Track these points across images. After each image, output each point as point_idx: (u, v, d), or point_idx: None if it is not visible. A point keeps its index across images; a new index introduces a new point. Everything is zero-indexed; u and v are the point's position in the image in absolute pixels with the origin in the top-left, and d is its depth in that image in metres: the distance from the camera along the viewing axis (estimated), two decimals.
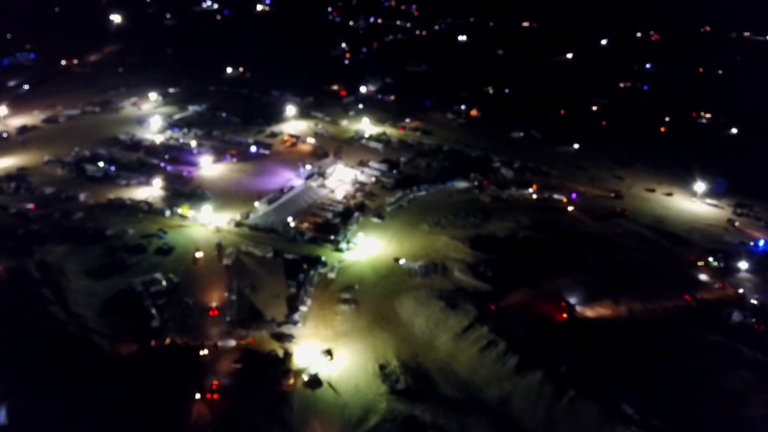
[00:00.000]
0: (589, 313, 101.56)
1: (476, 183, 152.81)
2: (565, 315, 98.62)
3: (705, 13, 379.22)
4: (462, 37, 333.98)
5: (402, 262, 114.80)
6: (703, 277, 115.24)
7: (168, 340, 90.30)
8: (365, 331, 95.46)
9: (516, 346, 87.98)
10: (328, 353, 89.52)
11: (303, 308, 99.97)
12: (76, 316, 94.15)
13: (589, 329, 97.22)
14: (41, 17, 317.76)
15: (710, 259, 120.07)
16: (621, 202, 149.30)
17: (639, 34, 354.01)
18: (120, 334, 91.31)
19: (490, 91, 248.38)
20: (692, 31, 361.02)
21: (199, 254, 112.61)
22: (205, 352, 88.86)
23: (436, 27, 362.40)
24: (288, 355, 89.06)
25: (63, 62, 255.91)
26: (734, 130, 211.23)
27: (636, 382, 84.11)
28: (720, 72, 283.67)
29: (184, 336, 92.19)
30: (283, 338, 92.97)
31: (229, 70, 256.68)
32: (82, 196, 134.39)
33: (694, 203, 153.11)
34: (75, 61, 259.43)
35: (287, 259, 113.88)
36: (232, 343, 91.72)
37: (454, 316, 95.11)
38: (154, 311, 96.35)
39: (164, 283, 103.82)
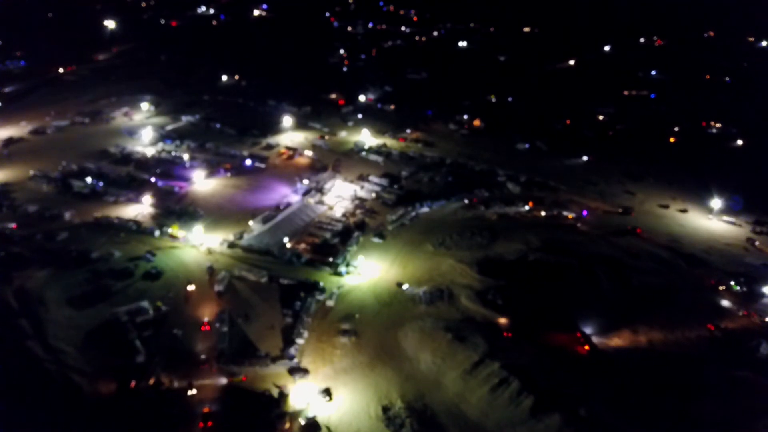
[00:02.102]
0: (607, 344, 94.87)
1: (466, 201, 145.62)
2: (587, 347, 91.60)
3: (707, 18, 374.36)
4: (462, 43, 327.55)
5: (405, 287, 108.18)
6: (725, 303, 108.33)
7: (152, 380, 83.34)
8: (367, 368, 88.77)
9: (530, 385, 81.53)
10: (326, 393, 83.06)
11: (299, 341, 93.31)
12: (55, 352, 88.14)
13: (608, 364, 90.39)
14: (34, 23, 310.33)
15: (732, 282, 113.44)
16: (631, 218, 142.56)
17: (642, 40, 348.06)
18: (102, 373, 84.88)
19: (493, 99, 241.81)
20: (696, 37, 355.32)
21: (191, 287, 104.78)
22: (193, 392, 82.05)
23: (436, 33, 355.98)
24: (283, 395, 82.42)
25: (60, 70, 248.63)
26: (745, 141, 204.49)
27: (662, 427, 77.46)
28: (727, 79, 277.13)
29: (171, 373, 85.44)
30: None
31: (224, 78, 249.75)
32: (67, 215, 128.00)
33: (711, 221, 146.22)
34: (74, 67, 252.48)
35: (283, 284, 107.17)
36: (223, 380, 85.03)
37: (462, 351, 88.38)
38: (139, 344, 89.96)
39: (151, 312, 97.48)
